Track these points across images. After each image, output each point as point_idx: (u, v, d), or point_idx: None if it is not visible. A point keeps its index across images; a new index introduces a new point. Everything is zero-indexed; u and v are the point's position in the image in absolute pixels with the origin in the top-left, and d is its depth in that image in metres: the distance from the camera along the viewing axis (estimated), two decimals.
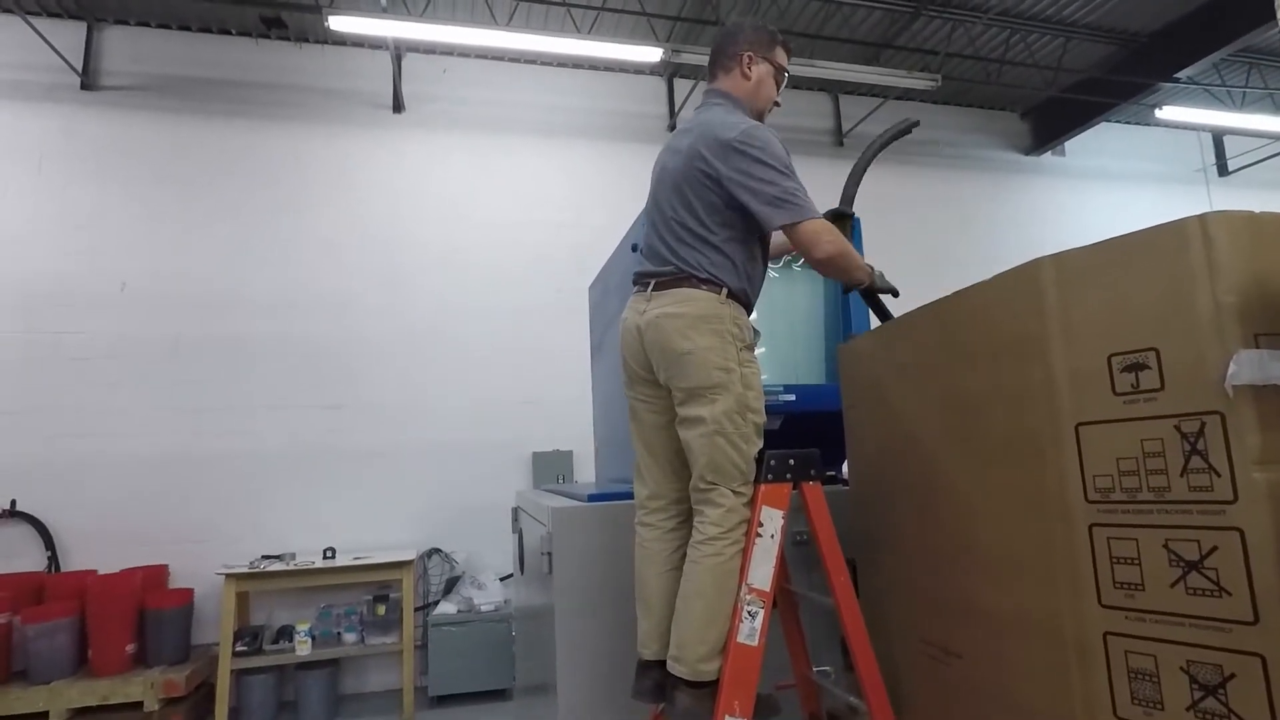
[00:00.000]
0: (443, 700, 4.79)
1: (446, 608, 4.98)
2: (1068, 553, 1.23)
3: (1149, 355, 1.15)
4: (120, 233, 5.17)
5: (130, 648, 4.39)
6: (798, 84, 6.59)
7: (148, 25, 5.46)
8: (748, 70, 2.02)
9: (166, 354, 5.13)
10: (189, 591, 4.74)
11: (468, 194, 5.86)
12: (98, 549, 4.82)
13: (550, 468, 5.53)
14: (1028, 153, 7.52)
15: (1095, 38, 6.26)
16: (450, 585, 5.27)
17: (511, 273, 5.80)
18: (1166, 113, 6.64)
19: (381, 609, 4.94)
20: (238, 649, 4.56)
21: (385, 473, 5.37)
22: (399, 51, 5.78)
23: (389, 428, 5.42)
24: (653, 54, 5.08)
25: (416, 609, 5.06)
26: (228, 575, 4.57)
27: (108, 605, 4.32)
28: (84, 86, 5.24)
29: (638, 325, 1.85)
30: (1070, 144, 7.48)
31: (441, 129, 5.91)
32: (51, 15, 5.24)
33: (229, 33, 5.60)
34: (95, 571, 4.70)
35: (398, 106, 5.81)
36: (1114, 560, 1.17)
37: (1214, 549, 1.06)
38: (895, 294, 2.00)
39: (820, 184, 6.99)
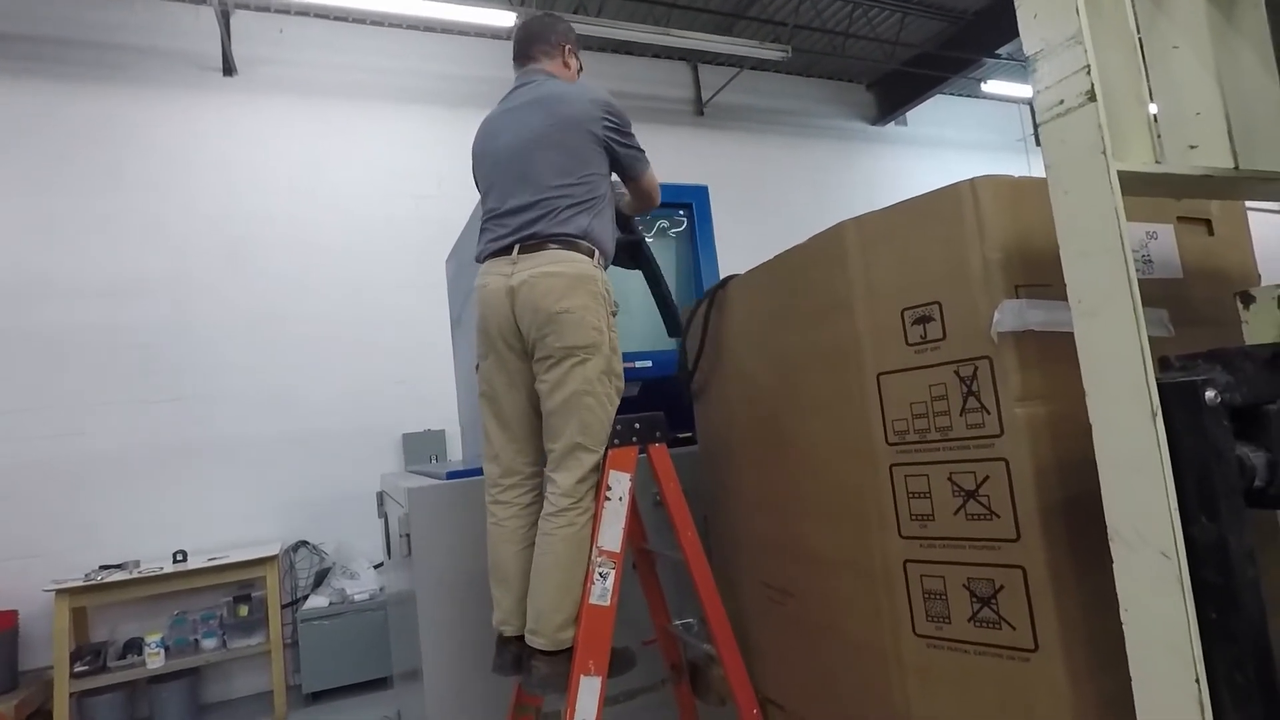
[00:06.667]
0: (318, 696, 4.61)
1: (317, 601, 4.77)
2: (874, 492, 1.36)
3: (933, 308, 1.27)
4: None
5: None
6: (657, 53, 6.63)
7: None
8: (569, 60, 2.14)
9: None
10: (11, 614, 4.26)
11: (315, 164, 5.48)
12: None
13: (423, 448, 5.37)
14: (874, 122, 7.98)
15: (928, 14, 6.70)
16: (320, 578, 5.04)
17: (369, 248, 5.52)
18: (991, 86, 7.25)
19: (244, 610, 4.65)
20: (77, 669, 4.16)
21: (240, 466, 5.02)
22: (225, 8, 5.27)
23: (240, 418, 5.05)
24: (505, 18, 4.94)
25: (284, 606, 4.81)
26: (58, 591, 4.14)
27: None
28: None
29: (508, 287, 1.80)
30: (911, 114, 8.01)
31: (281, 94, 5.47)
32: None
33: None
34: None
35: (228, 69, 5.31)
36: (910, 495, 1.30)
37: (986, 478, 1.20)
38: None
39: (682, 151, 6.98)
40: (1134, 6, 0.98)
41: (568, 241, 1.80)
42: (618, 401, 1.82)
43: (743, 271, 2.16)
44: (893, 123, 8.00)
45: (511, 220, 1.87)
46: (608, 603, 1.70)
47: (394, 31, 5.87)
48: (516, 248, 1.83)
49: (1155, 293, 1.31)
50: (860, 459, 1.39)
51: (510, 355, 1.86)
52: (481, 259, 1.95)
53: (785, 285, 1.61)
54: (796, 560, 1.62)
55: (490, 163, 2.01)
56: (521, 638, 1.79)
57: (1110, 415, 0.87)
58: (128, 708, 4.38)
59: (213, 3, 5.05)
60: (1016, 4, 0.94)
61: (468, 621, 2.18)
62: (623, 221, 2.23)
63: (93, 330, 4.77)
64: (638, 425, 1.82)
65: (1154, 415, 0.83)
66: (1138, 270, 1.33)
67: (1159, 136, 1.02)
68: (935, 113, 8.17)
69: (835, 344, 1.43)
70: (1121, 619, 0.87)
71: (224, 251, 5.13)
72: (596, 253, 1.84)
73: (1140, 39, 0.99)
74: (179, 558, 4.53)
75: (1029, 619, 1.14)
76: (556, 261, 1.78)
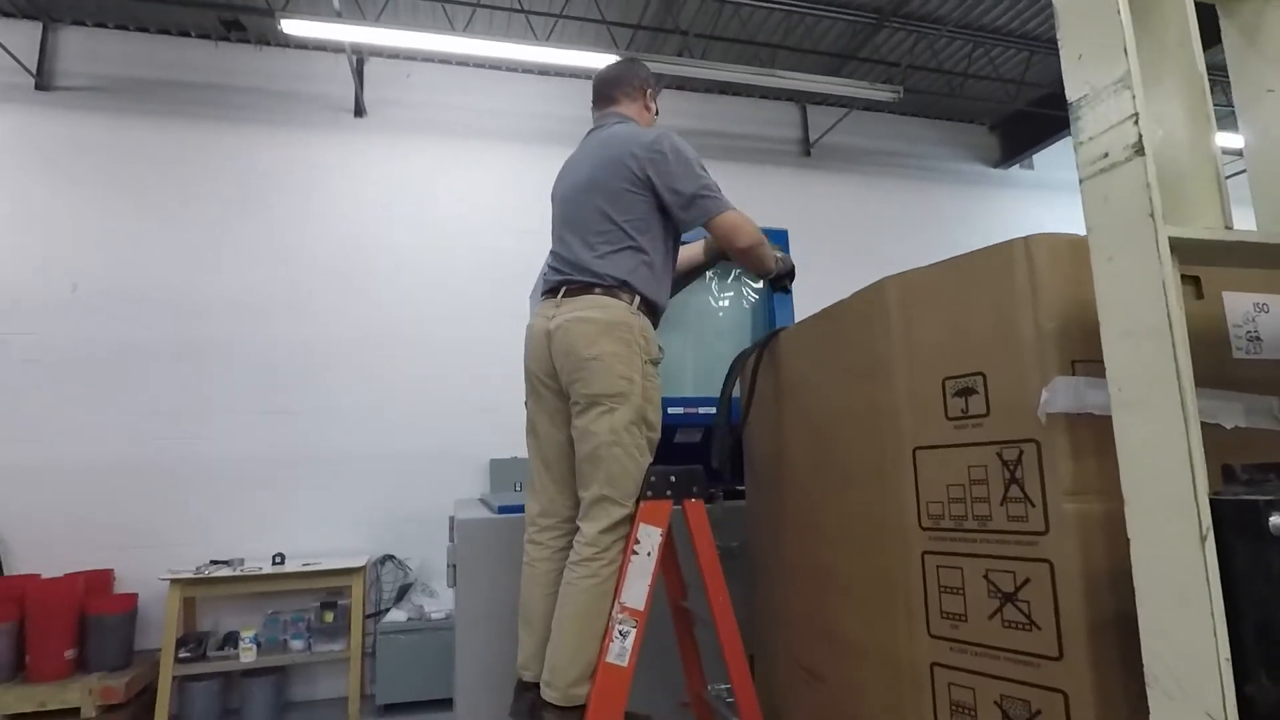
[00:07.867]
0: (390, 709, 4.73)
1: (397, 615, 4.92)
2: (904, 580, 1.21)
3: (977, 380, 1.13)
4: (73, 234, 5.11)
5: (70, 653, 4.33)
6: (765, 94, 6.59)
7: (104, 26, 5.40)
8: (650, 104, 2.16)
9: (118, 357, 5.06)
10: (133, 597, 4.67)
11: (431, 199, 5.82)
12: (44, 554, 4.74)
13: (508, 475, 5.47)
14: (996, 165, 7.53)
15: (1058, 52, 6.26)
16: (402, 592, 5.22)
17: (474, 279, 5.76)
18: None
19: (330, 616, 4.88)
20: (181, 655, 4.50)
21: (340, 479, 5.32)
22: (360, 56, 5.75)
23: (345, 434, 5.37)
24: (610, 60, 5.06)
25: (367, 616, 5.00)
26: (173, 580, 4.52)
27: (48, 610, 4.26)
28: (39, 87, 5.17)
29: (546, 330, 1.83)
30: (1038, 157, 7.49)
31: (405, 133, 5.87)
32: (5, 15, 5.18)
33: (188, 35, 5.55)
34: (38, 576, 4.64)
35: (359, 111, 5.77)
36: (942, 589, 1.15)
37: (1027, 581, 1.04)
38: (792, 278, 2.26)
39: (787, 192, 6.84)
40: (1200, 45, 0.83)
41: (607, 288, 1.79)
42: (650, 453, 1.75)
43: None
44: (1017, 165, 7.52)
45: (560, 264, 1.91)
46: (625, 663, 1.61)
47: (507, 75, 6.19)
48: (562, 290, 1.85)
49: (1265, 376, 1.11)
50: (890, 539, 1.25)
51: (549, 395, 1.87)
52: (539, 298, 1.99)
53: (826, 341, 1.50)
54: (827, 642, 1.48)
55: (555, 206, 2.09)
56: (539, 685, 1.74)
57: (1149, 532, 0.72)
58: (221, 697, 4.67)
59: (348, 50, 5.52)
60: (1060, 45, 0.83)
61: (505, 658, 2.15)
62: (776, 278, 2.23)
63: (224, 344, 5.24)
64: (673, 478, 1.74)
65: (1202, 539, 0.68)
66: (1243, 350, 1.13)
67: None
68: (1066, 154, 7.56)
69: (872, 409, 1.31)
70: None
71: (343, 277, 5.52)
72: (637, 299, 1.80)
73: (1228, 81, 0.84)
74: (278, 560, 4.82)
75: None
76: (592, 307, 1.77)
